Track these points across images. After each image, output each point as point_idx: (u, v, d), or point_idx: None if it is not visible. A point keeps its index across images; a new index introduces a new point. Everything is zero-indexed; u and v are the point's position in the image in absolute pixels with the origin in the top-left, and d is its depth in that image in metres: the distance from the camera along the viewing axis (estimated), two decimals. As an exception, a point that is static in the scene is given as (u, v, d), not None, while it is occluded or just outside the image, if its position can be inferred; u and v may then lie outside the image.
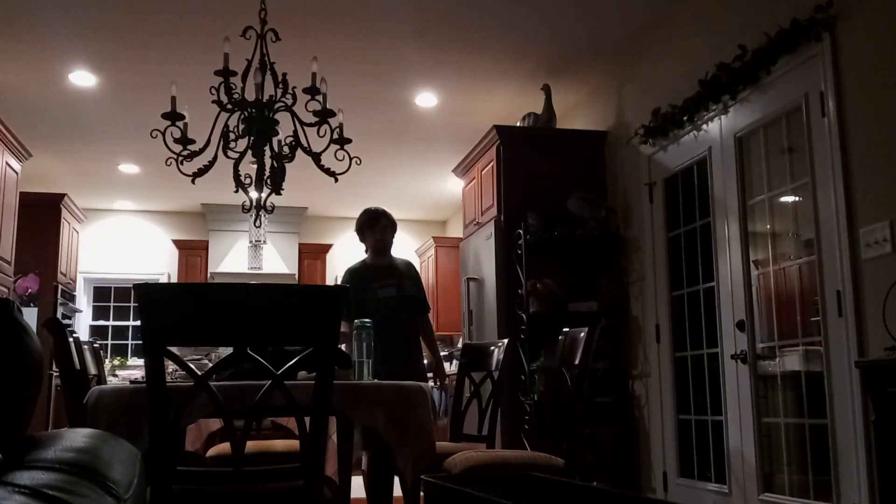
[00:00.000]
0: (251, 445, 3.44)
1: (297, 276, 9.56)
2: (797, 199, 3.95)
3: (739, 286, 4.19)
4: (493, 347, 3.86)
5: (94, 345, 3.93)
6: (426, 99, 6.31)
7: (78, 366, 3.05)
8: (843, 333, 3.45)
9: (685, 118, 4.67)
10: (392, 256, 4.61)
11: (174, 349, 2.04)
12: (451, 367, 8.09)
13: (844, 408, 3.44)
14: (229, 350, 2.00)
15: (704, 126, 4.57)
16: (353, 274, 4.50)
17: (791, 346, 3.92)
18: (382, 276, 4.44)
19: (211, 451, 3.56)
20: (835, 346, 3.52)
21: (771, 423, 4.00)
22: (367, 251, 4.60)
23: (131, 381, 3.12)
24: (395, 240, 4.63)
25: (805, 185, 3.76)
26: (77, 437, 0.92)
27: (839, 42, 3.55)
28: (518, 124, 6.04)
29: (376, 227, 4.51)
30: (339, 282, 4.85)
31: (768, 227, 4.17)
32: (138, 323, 1.97)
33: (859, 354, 3.32)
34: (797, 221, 3.99)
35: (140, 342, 5.20)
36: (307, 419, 2.08)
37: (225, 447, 3.46)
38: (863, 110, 3.42)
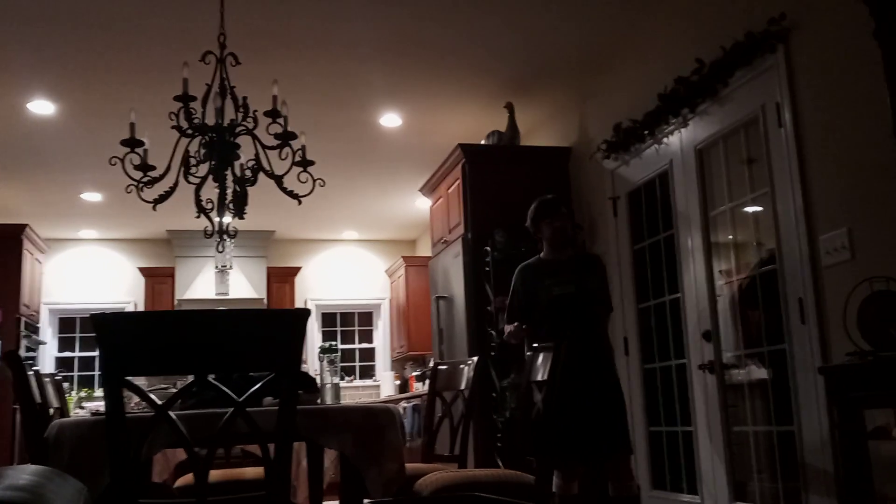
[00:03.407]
0: (220, 474, 3.40)
1: (265, 301, 9.48)
2: (758, 208, 4.00)
3: (704, 297, 4.23)
4: (463, 366, 3.85)
5: (57, 377, 3.86)
6: (390, 119, 6.32)
7: (39, 399, 2.99)
8: (806, 340, 3.49)
9: (646, 132, 4.72)
10: (573, 250, 4.10)
11: (141, 378, 2.01)
12: (422, 387, 8.06)
13: (811, 414, 3.47)
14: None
15: (665, 139, 4.62)
16: (523, 271, 4.01)
17: (757, 354, 3.96)
18: (559, 271, 3.88)
19: (179, 482, 3.50)
20: (799, 353, 3.55)
21: (740, 432, 4.03)
22: (541, 246, 4.04)
23: (92, 413, 3.07)
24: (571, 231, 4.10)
25: (765, 194, 3.81)
26: (20, 475, 0.89)
27: (793, 53, 3.61)
28: (482, 142, 6.07)
29: (554, 215, 3.94)
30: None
31: (730, 237, 4.21)
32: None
33: (823, 361, 3.35)
34: (759, 231, 4.04)
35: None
36: (272, 446, 2.05)
37: (192, 477, 3.41)
38: (818, 119, 3.48)
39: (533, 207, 4.01)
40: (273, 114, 3.59)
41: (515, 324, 3.87)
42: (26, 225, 8.07)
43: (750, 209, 4.08)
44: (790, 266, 3.61)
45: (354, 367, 10.42)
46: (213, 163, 3.58)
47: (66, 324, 9.75)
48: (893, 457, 2.81)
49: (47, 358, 9.37)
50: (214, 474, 3.33)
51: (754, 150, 3.93)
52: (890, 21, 2.93)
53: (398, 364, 10.10)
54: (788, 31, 3.61)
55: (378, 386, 10.12)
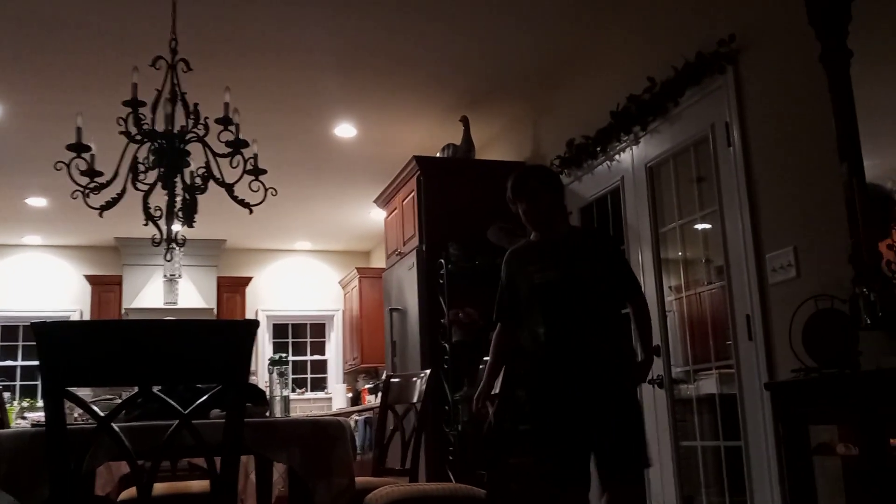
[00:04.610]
0: (166, 487, 3.32)
1: (215, 311, 9.34)
2: (707, 226, 4.06)
3: (654, 312, 4.27)
4: (415, 379, 3.83)
5: (-4, 387, 3.75)
6: (345, 130, 6.30)
7: (-25, 410, 2.90)
8: (753, 356, 3.55)
9: (598, 149, 4.78)
10: (571, 227, 3.47)
11: (85, 389, 1.96)
12: (375, 400, 8.01)
13: (757, 429, 3.52)
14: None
15: (617, 156, 4.67)
16: (508, 258, 3.38)
17: (705, 369, 4.01)
18: (545, 254, 3.23)
19: (123, 495, 3.42)
20: (746, 369, 3.61)
21: (689, 447, 4.07)
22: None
23: (33, 425, 2.98)
24: (555, 204, 3.27)
25: (714, 212, 3.87)
26: (-51, 490, 0.86)
27: (742, 74, 3.68)
28: (438, 155, 6.07)
29: (523, 193, 3.23)
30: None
31: (680, 253, 4.27)
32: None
33: (769, 377, 3.41)
34: (708, 248, 4.10)
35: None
36: (219, 459, 2.01)
37: (136, 491, 3.33)
38: (766, 139, 3.55)
39: (508, 185, 3.33)
40: (225, 121, 3.55)
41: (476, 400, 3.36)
42: (-33, 230, 7.86)
43: (699, 226, 4.14)
44: (738, 283, 3.67)
45: (306, 379, 10.32)
46: (161, 170, 3.52)
47: (8, 332, 9.48)
48: (837, 472, 2.86)
49: (-13, 367, 9.11)
50: (159, 487, 3.25)
51: (704, 168, 3.99)
52: (835, 45, 3.01)
53: (350, 376, 10.02)
54: (738, 52, 3.68)
55: (330, 398, 10.04)
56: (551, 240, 3.25)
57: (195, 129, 3.57)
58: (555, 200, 3.26)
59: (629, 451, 3.04)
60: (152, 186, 3.54)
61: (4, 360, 9.42)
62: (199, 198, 3.65)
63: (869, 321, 2.73)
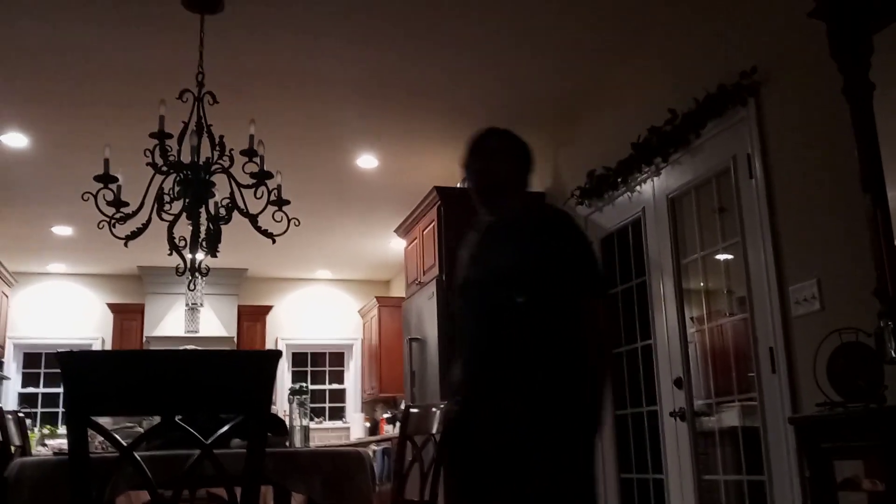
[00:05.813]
0: (184, 517, 3.32)
1: (235, 339, 9.37)
2: (729, 257, 4.04)
3: (676, 343, 4.25)
4: (434, 409, 3.81)
5: (19, 414, 3.77)
6: (367, 161, 6.34)
7: (0, 437, 2.92)
8: (776, 390, 3.51)
9: (619, 180, 4.78)
10: (523, 208, 2.63)
11: (106, 417, 1.97)
12: (393, 430, 7.98)
13: (781, 464, 3.48)
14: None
15: (638, 187, 4.67)
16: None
17: (728, 402, 3.97)
18: (473, 244, 2.58)
19: (141, 524, 3.42)
20: (769, 403, 3.57)
21: (711, 481, 4.02)
22: None
23: (55, 453, 3.00)
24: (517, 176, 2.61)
25: (736, 244, 3.86)
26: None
27: (763, 106, 3.68)
28: (458, 185, 6.10)
29: (479, 152, 2.57)
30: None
31: (702, 284, 4.25)
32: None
33: (793, 410, 3.37)
34: (730, 279, 4.08)
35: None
36: (239, 489, 2.01)
37: (156, 520, 3.33)
38: (788, 171, 3.54)
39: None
40: (249, 153, 3.59)
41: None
42: (-7, 258, 7.97)
43: (721, 257, 4.12)
44: (761, 315, 3.64)
45: (324, 408, 10.30)
46: (187, 200, 3.57)
47: (30, 359, 9.55)
48: (862, 508, 2.82)
49: (10, 394, 9.17)
50: (178, 517, 3.25)
51: (725, 199, 3.98)
52: (858, 78, 3.01)
53: (369, 406, 10.00)
54: (759, 84, 3.69)
55: (348, 428, 10.01)
56: (490, 223, 2.55)
57: (220, 161, 3.62)
58: (515, 172, 2.60)
59: None
60: (177, 217, 3.58)
61: (26, 386, 9.48)
62: (222, 227, 3.69)
63: (895, 355, 2.69)
